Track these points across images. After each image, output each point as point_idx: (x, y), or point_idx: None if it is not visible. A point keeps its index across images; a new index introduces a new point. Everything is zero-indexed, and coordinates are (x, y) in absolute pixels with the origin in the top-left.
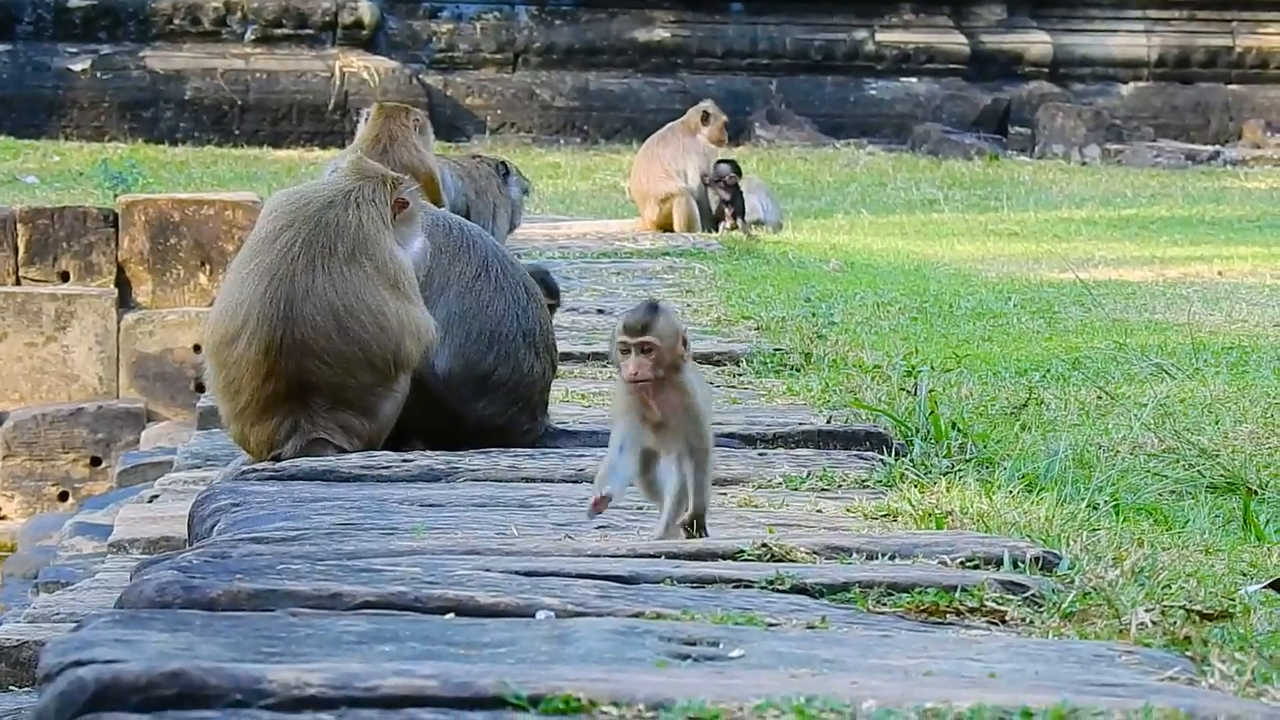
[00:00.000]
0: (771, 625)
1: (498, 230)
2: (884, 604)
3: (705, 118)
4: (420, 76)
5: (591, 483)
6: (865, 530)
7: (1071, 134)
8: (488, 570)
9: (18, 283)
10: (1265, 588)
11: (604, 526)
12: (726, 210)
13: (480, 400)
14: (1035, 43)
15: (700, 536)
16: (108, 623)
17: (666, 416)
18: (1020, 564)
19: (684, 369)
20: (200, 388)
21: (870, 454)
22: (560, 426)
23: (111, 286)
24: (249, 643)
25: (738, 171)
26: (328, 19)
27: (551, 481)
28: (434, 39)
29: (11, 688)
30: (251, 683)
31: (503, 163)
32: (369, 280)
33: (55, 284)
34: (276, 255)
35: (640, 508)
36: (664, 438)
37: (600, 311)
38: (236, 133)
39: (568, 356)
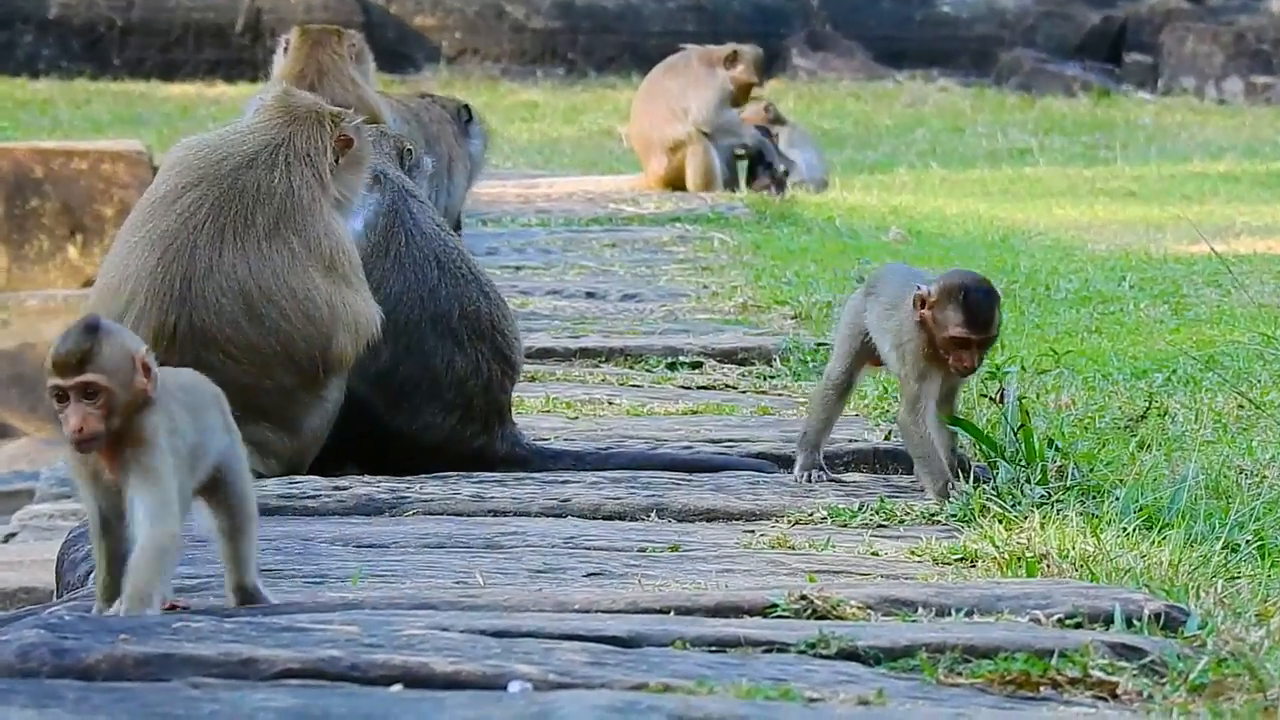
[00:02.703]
0: (813, 700)
1: (454, 190)
2: (958, 673)
3: (734, 58)
4: None
5: (580, 517)
6: (934, 579)
7: (1206, 63)
8: (445, 629)
9: None
10: None
11: (596, 574)
12: (758, 168)
13: (398, 411)
14: None
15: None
16: None
17: (125, 475)
18: (1135, 622)
19: (150, 410)
20: None
21: None
22: (540, 443)
23: None
24: None
25: (778, 118)
26: None
27: (527, 515)
28: None
29: None
30: None
31: (465, 106)
32: (295, 259)
33: None
34: (176, 221)
35: (642, 550)
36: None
37: (590, 295)
38: (116, 63)
39: (549, 353)
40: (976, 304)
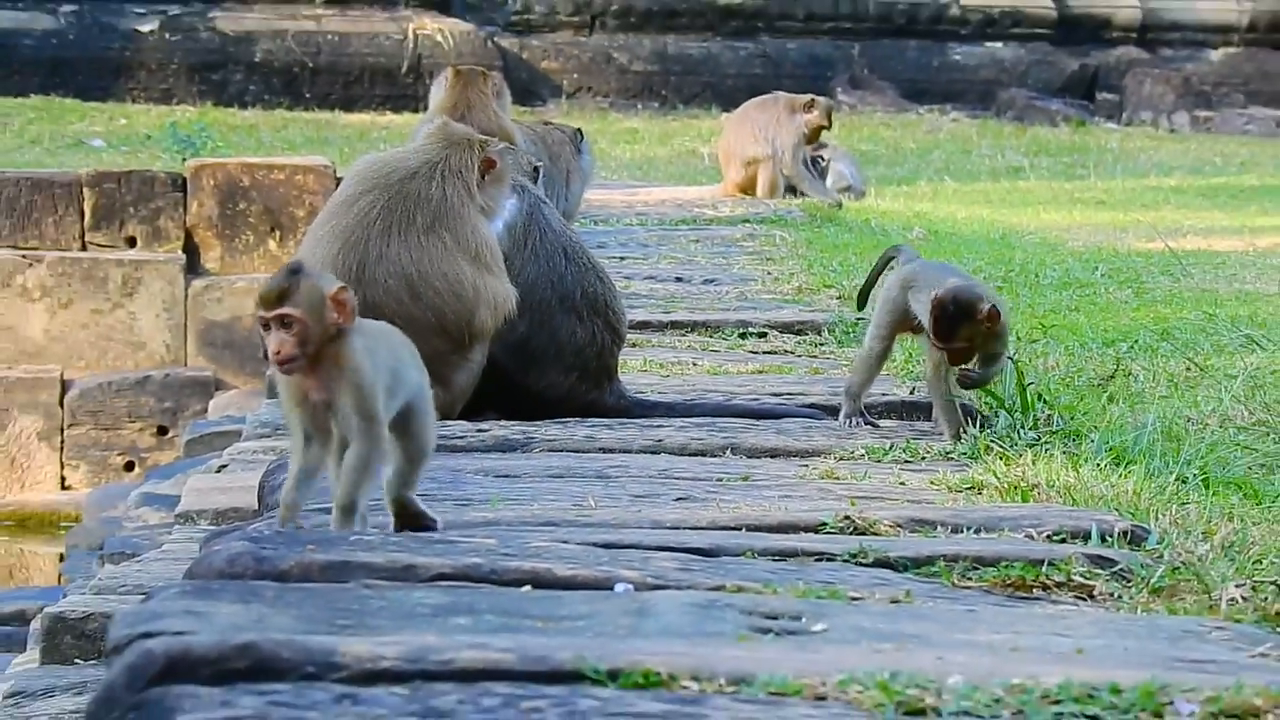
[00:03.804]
0: (855, 599)
1: (571, 198)
2: (969, 578)
3: (811, 105)
4: (495, 39)
5: (671, 454)
6: (950, 503)
7: (1160, 100)
8: (565, 542)
9: (84, 248)
10: None
11: (684, 498)
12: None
13: (530, 372)
14: (1124, 6)
15: (345, 528)
16: (177, 594)
17: (333, 395)
18: (1108, 538)
19: (350, 336)
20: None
21: None
22: (639, 396)
23: (179, 252)
24: (321, 615)
25: (820, 144)
26: None
27: (629, 452)
28: (510, 1)
29: (77, 660)
30: (324, 655)
31: (579, 130)
32: (446, 251)
33: (122, 250)
34: (353, 219)
35: (719, 480)
36: (338, 419)
37: (678, 279)
38: (307, 96)
39: (645, 325)
40: (940, 319)
